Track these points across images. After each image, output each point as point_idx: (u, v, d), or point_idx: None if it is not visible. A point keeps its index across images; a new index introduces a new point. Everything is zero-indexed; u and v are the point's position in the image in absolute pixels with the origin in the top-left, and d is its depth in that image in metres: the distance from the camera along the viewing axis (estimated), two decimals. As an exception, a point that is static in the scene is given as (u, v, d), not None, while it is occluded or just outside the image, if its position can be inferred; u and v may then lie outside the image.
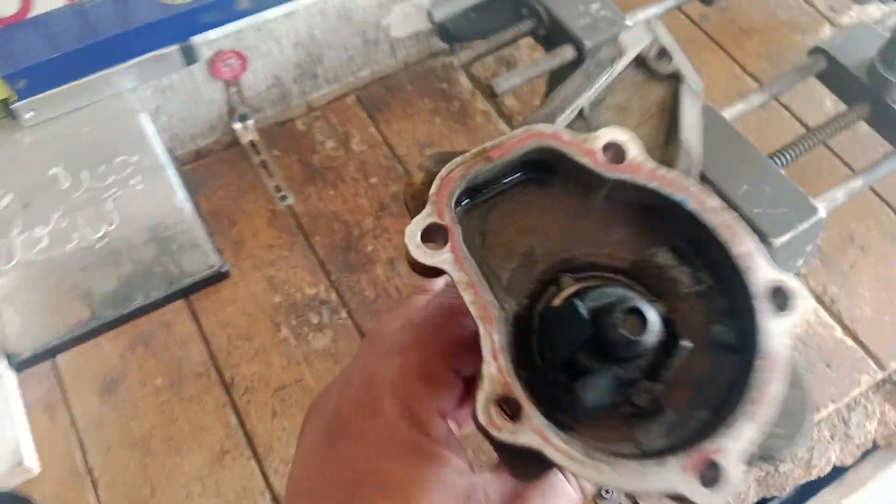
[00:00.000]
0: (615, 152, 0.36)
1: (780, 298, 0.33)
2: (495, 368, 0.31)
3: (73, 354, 1.12)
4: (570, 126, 0.43)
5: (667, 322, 0.34)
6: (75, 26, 1.05)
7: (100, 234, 1.04)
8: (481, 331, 0.32)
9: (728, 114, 1.11)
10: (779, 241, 0.98)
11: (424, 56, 1.46)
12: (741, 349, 0.34)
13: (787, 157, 1.08)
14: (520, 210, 0.38)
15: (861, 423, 1.09)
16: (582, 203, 0.37)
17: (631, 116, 0.44)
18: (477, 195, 0.37)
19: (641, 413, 0.34)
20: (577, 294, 0.35)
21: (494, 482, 0.36)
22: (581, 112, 0.43)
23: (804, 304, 0.33)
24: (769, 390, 0.32)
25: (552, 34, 1.23)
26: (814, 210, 1.00)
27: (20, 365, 1.11)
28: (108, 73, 1.06)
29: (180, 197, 1.08)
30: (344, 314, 1.16)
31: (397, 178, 1.29)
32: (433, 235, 0.34)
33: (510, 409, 0.31)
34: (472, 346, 0.34)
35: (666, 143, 0.43)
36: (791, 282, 0.33)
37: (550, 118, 0.42)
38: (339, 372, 0.40)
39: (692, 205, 0.35)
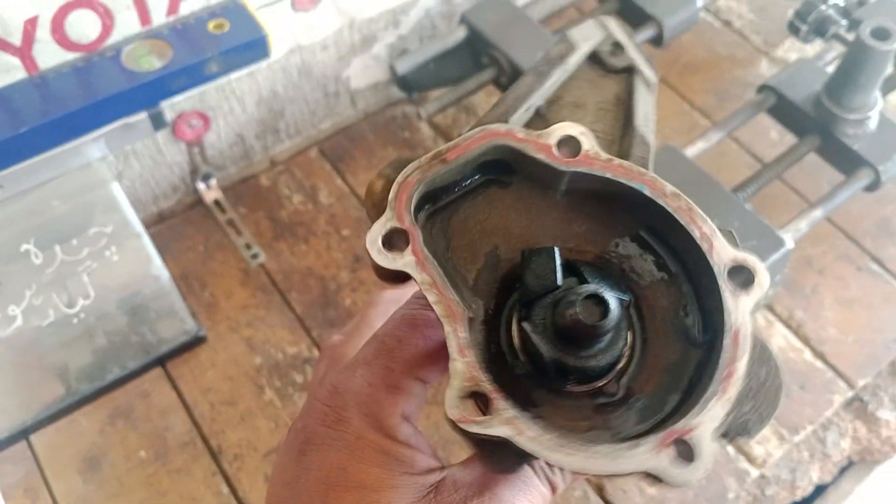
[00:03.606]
0: (569, 146, 0.37)
1: (742, 277, 0.34)
2: (462, 364, 0.32)
3: (50, 433, 1.08)
4: (528, 125, 0.44)
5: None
6: (38, 100, 1.03)
7: (76, 309, 1.01)
8: (446, 329, 0.32)
9: (690, 152, 1.15)
10: (751, 273, 1.02)
11: (384, 105, 1.47)
12: (708, 331, 0.35)
13: (750, 191, 1.13)
14: (482, 211, 0.38)
15: (836, 442, 1.14)
16: (542, 200, 0.38)
17: (587, 113, 0.45)
18: (438, 199, 0.38)
19: (614, 401, 0.35)
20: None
21: (463, 474, 0.37)
22: (538, 111, 0.44)
23: (764, 280, 0.34)
24: (736, 367, 0.32)
25: (514, 81, 1.26)
26: (781, 242, 1.05)
27: (-6, 448, 1.06)
28: (75, 144, 1.04)
29: (157, 265, 1.06)
30: (327, 371, 1.15)
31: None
32: (395, 240, 0.34)
33: (481, 403, 0.32)
34: (434, 355, 0.36)
35: (623, 136, 0.44)
36: (751, 259, 0.34)
37: (504, 117, 0.42)
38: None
39: (649, 191, 0.35)
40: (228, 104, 1.27)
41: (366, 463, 0.35)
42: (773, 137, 1.40)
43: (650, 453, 0.31)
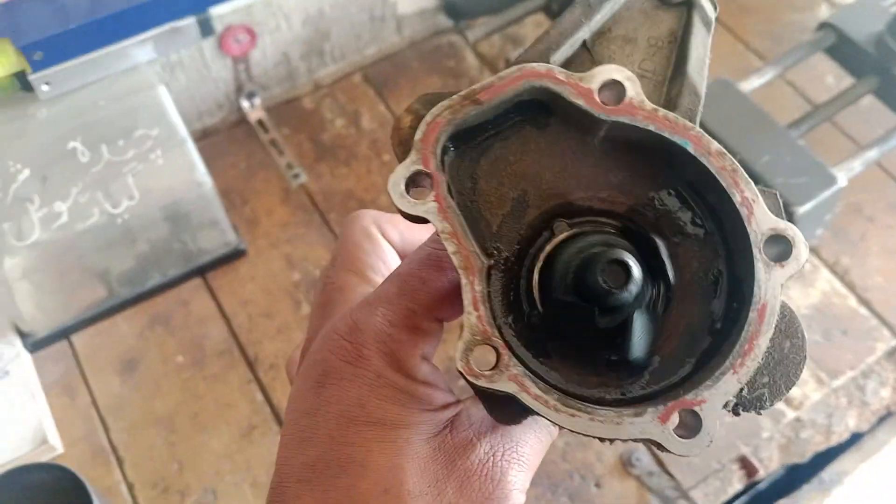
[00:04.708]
0: (613, 91, 0.34)
1: (779, 248, 0.33)
2: (475, 317, 0.31)
3: (90, 334, 1.10)
4: (573, 59, 0.40)
5: (654, 266, 0.34)
6: (89, -2, 1.02)
7: (120, 209, 1.02)
8: (462, 281, 0.32)
9: (744, 87, 1.12)
10: (802, 209, 1.00)
11: (430, 34, 1.45)
12: (735, 298, 0.34)
13: (804, 128, 1.10)
14: (514, 153, 0.36)
15: (876, 390, 1.12)
16: (579, 145, 0.36)
17: (637, 49, 0.41)
18: (469, 139, 0.36)
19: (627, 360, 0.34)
20: (568, 240, 0.34)
21: (477, 409, 0.38)
22: (584, 44, 0.40)
23: (802, 254, 0.32)
24: (757, 343, 0.32)
25: (565, 8, 1.24)
26: (833, 179, 1.02)
27: (35, 345, 1.08)
28: (123, 45, 1.04)
29: (200, 171, 1.06)
30: (364, 290, 1.15)
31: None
32: (419, 183, 0.33)
33: (491, 356, 0.31)
34: (455, 297, 0.35)
35: (672, 79, 0.40)
36: (792, 230, 0.33)
37: (546, 55, 0.38)
38: (326, 325, 0.41)
39: (693, 148, 0.34)
40: (275, 21, 1.26)
41: (385, 401, 0.36)
42: (830, 82, 1.36)
43: (654, 422, 0.30)
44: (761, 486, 1.09)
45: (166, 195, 1.04)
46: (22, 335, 1.07)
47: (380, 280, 0.42)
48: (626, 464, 1.04)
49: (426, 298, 0.37)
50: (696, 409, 0.31)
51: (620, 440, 0.31)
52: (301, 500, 0.36)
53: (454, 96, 0.34)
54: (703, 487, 1.03)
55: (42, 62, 0.99)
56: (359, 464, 0.35)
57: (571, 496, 1.02)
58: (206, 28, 1.08)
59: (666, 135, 0.34)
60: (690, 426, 0.31)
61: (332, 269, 0.45)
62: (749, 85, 1.13)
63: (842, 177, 1.03)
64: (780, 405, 1.09)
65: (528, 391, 0.31)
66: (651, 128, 0.34)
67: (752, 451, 1.07)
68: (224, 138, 1.32)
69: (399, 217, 0.48)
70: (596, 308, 0.32)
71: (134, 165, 1.02)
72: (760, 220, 0.32)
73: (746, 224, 0.33)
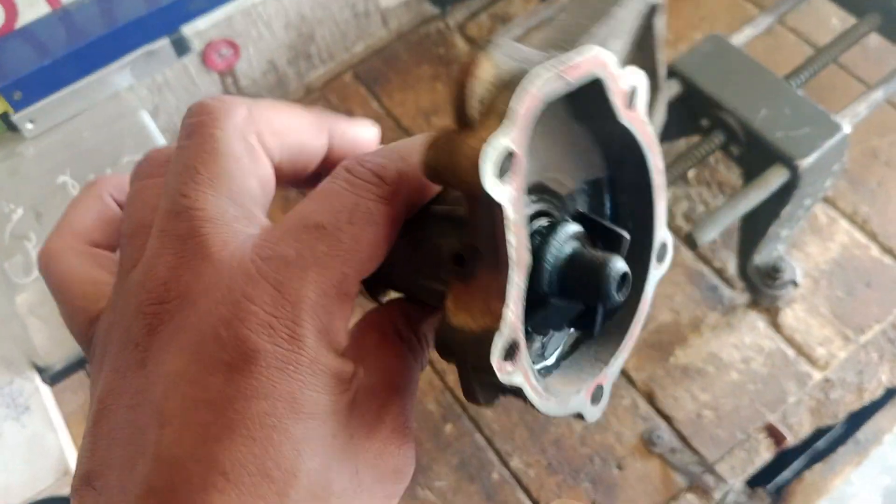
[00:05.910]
0: (631, 97, 0.33)
1: (660, 252, 0.37)
2: (513, 314, 0.30)
3: (104, 362, 1.11)
4: None
5: None
6: (62, 31, 1.03)
7: (115, 238, 1.02)
8: (513, 277, 0.30)
9: (737, 40, 1.08)
10: (805, 162, 0.96)
11: (417, 23, 1.43)
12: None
13: (803, 77, 1.05)
14: None
15: (907, 340, 1.07)
16: (565, 125, 0.35)
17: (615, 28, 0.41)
18: None
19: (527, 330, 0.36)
20: (549, 228, 0.33)
21: (368, 378, 0.34)
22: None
23: (670, 259, 0.38)
24: (639, 328, 0.37)
25: (546, -17, 1.20)
26: (837, 127, 0.97)
27: (53, 378, 1.10)
28: (101, 73, 1.05)
29: (191, 191, 1.06)
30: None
31: (406, 150, 1.27)
32: (503, 163, 0.28)
33: (510, 351, 0.31)
34: (380, 255, 0.32)
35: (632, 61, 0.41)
36: (671, 239, 0.38)
37: (606, 41, 0.36)
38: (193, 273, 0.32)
39: (651, 163, 0.35)
40: (256, 30, 1.25)
41: (318, 391, 0.31)
42: (834, 25, 1.30)
43: (586, 397, 0.35)
44: (793, 452, 1.06)
45: (160, 218, 1.05)
46: (39, 370, 1.09)
47: (259, 213, 0.34)
48: (647, 443, 1.01)
49: (360, 258, 0.32)
50: (603, 383, 0.36)
51: (560, 416, 0.35)
52: None
53: (550, 69, 0.29)
54: (728, 460, 1.00)
55: (22, 101, 1.00)
56: (287, 470, 0.31)
57: (594, 480, 1.00)
58: (181, 47, 1.08)
59: (644, 148, 0.35)
60: (598, 397, 0.36)
61: (192, 187, 0.34)
62: (742, 37, 1.09)
63: (846, 123, 0.98)
64: (805, 367, 1.05)
65: (530, 382, 0.31)
66: (638, 137, 0.35)
67: (779, 418, 1.03)
68: (221, 153, 1.32)
69: (275, 110, 0.36)
70: (586, 305, 0.35)
71: (123, 192, 1.02)
72: (662, 230, 0.37)
73: (655, 233, 0.37)
